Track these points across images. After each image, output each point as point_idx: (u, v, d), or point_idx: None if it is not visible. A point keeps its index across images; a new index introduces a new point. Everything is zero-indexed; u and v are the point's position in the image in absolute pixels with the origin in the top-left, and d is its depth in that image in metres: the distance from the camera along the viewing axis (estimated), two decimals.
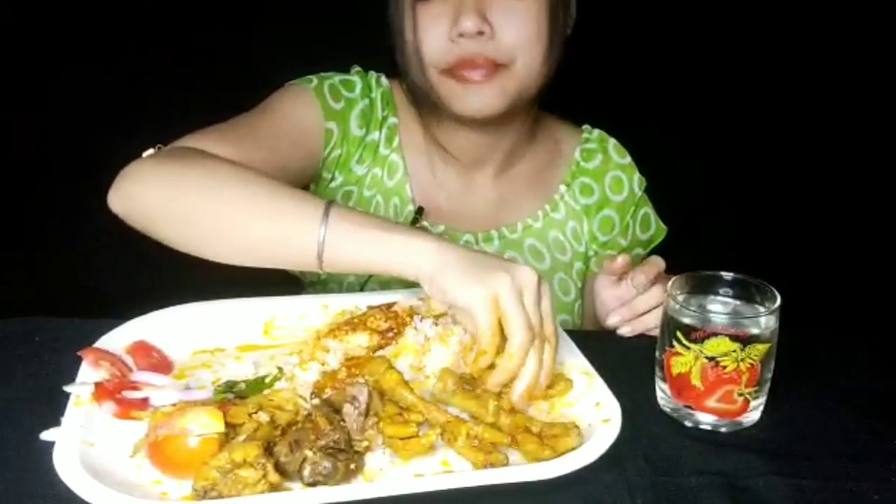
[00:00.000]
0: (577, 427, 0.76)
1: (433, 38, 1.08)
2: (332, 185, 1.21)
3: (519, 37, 1.07)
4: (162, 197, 0.90)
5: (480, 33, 1.05)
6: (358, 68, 1.25)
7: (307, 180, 1.19)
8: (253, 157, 0.98)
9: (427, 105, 1.16)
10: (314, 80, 1.18)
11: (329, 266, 0.84)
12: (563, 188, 1.28)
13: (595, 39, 1.35)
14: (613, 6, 1.62)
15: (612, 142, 1.31)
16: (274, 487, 0.68)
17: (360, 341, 0.89)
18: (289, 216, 0.85)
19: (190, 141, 0.99)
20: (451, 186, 1.25)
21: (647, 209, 1.33)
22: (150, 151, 0.96)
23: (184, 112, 1.06)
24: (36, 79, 1.87)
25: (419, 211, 1.20)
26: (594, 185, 1.29)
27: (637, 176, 1.31)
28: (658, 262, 1.04)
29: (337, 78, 1.20)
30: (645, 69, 1.88)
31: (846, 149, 2.06)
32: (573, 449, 0.74)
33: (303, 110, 1.15)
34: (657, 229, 1.34)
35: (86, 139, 1.81)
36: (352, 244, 0.83)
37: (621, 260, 1.05)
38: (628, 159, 1.31)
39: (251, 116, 1.10)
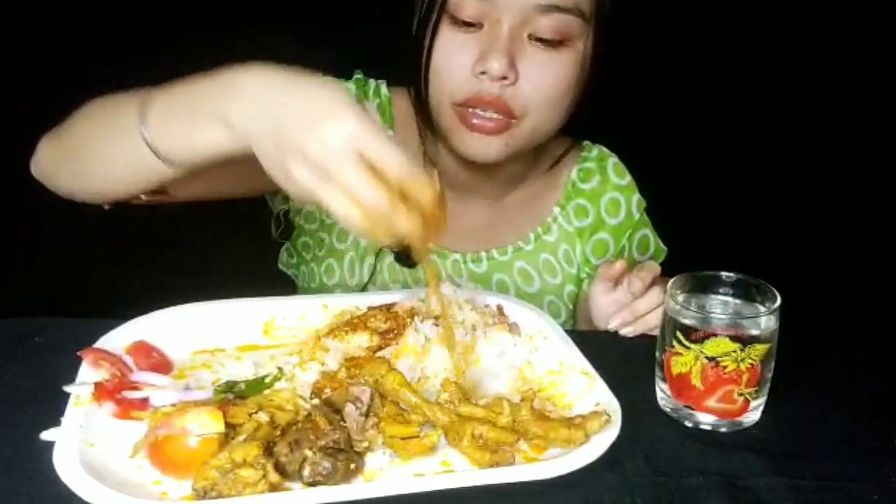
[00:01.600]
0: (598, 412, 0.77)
1: (455, 68, 1.03)
2: None
3: (538, 92, 1.03)
4: (52, 148, 0.95)
5: (504, 77, 1.01)
6: (359, 75, 1.21)
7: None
8: None
9: (429, 125, 1.13)
10: None
11: (170, 156, 0.81)
12: (556, 210, 1.25)
13: None
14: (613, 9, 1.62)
15: (611, 161, 1.27)
16: (274, 487, 0.68)
17: (360, 342, 0.89)
18: (119, 116, 0.85)
19: None
20: None
21: (646, 230, 1.29)
22: None
23: None
24: (34, 79, 1.87)
25: None
26: (589, 207, 1.25)
27: (636, 197, 1.27)
28: (654, 267, 1.03)
29: None
30: (645, 70, 1.88)
31: (846, 150, 2.06)
32: (599, 430, 0.75)
33: None
34: (656, 250, 1.30)
35: None
36: (172, 121, 0.81)
37: (619, 266, 1.04)
38: (627, 179, 1.27)
39: None
